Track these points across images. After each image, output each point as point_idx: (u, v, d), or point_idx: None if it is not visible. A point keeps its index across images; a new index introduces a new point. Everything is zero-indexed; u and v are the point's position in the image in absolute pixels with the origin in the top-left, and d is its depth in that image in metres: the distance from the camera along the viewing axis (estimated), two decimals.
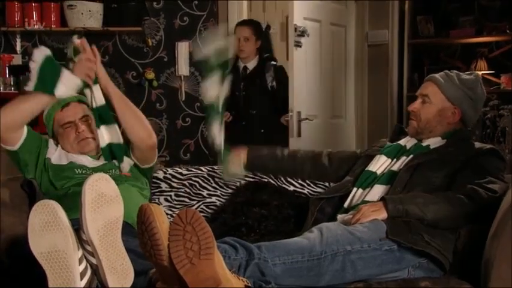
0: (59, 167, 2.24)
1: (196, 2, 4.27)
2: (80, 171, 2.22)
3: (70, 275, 1.56)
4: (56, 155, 2.27)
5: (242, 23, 4.01)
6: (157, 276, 1.67)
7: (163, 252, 1.55)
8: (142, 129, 2.24)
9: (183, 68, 4.23)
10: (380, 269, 1.89)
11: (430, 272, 1.95)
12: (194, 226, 1.52)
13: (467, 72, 2.27)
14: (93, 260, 1.61)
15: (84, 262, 1.60)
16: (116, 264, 1.61)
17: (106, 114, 2.25)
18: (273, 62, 3.99)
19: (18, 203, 2.21)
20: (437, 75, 2.23)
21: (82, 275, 1.58)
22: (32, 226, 1.59)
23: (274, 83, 3.89)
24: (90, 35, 4.23)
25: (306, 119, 3.84)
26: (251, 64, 3.96)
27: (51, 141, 2.32)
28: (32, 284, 1.73)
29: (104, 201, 1.62)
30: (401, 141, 2.25)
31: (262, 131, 3.88)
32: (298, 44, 3.91)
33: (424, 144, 2.18)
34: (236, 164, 2.36)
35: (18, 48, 4.34)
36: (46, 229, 1.58)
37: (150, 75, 4.25)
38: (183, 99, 4.30)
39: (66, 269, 1.56)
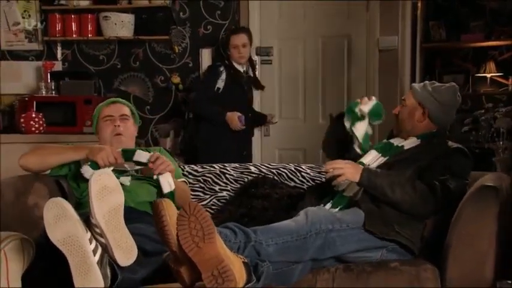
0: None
1: (219, 12, 4.56)
2: None
3: (85, 253, 1.81)
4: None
5: (238, 31, 4.14)
6: (170, 256, 1.95)
7: (171, 240, 1.83)
8: None
9: None
10: (357, 245, 2.19)
11: (402, 255, 2.25)
12: (197, 216, 1.75)
13: (447, 84, 2.54)
14: (102, 240, 1.86)
15: (94, 241, 1.86)
16: (121, 242, 1.89)
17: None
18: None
19: (55, 196, 2.52)
20: (416, 84, 2.56)
21: (94, 252, 1.84)
22: (46, 220, 1.83)
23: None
24: (123, 43, 4.63)
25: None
26: (246, 68, 4.18)
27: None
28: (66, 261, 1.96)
29: (107, 192, 1.89)
30: (392, 140, 2.56)
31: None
32: (267, 62, 4.55)
33: (400, 145, 2.48)
34: None
35: (59, 55, 4.70)
36: (58, 221, 1.82)
37: (176, 79, 4.54)
38: None
39: (80, 249, 1.82)
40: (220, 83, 3.97)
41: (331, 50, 4.56)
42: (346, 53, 4.52)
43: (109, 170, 2.01)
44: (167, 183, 2.43)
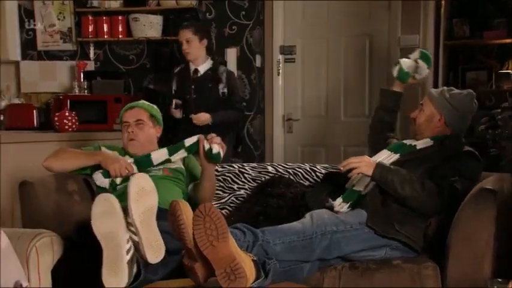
0: None
1: (243, 12, 4.67)
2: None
3: (120, 250, 1.98)
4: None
5: (182, 27, 3.94)
6: (185, 253, 2.09)
7: (187, 238, 1.96)
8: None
9: None
10: (361, 245, 2.31)
11: (405, 253, 2.36)
12: (212, 216, 1.87)
13: (465, 91, 2.63)
14: (136, 238, 2.02)
15: (130, 242, 2.02)
16: (152, 241, 2.03)
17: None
18: (225, 67, 4.03)
19: (86, 196, 2.68)
20: (433, 90, 2.65)
21: (127, 251, 2.00)
22: (94, 214, 1.98)
23: (225, 90, 3.89)
24: (151, 43, 4.80)
25: (290, 119, 4.71)
26: (203, 67, 3.91)
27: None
28: (94, 256, 2.08)
29: (144, 193, 2.04)
30: (405, 140, 2.67)
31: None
32: (290, 60, 4.67)
33: (413, 144, 2.59)
34: None
35: (91, 55, 4.91)
36: (105, 216, 1.97)
37: None
38: None
39: (117, 246, 1.97)
40: (174, 84, 3.99)
41: (353, 49, 4.64)
42: (367, 51, 4.59)
43: (146, 175, 2.13)
44: (217, 147, 2.57)
